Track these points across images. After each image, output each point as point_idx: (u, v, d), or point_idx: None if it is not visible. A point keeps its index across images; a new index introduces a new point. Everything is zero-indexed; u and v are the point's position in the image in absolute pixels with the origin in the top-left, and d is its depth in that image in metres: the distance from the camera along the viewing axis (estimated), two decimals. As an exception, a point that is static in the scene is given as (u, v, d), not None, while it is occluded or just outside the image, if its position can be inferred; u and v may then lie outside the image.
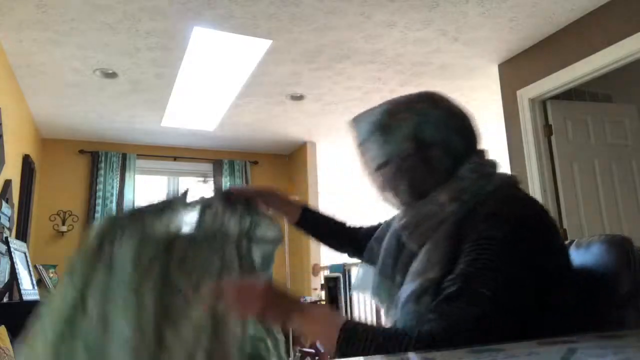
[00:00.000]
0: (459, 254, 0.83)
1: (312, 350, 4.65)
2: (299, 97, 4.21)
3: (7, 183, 3.42)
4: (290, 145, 5.70)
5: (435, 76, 3.84)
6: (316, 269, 5.36)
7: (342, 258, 4.38)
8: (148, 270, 0.96)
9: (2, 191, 3.30)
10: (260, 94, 4.11)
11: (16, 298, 2.79)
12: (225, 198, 1.14)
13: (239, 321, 0.96)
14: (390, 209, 1.25)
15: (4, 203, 3.22)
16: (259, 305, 0.88)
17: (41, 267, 3.53)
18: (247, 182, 5.73)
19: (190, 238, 1.05)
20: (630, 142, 3.49)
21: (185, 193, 1.12)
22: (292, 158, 6.00)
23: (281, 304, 0.89)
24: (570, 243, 1.03)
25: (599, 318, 0.88)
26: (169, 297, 0.95)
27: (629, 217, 3.30)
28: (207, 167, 5.71)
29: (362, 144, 1.01)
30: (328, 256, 5.41)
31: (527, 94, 3.38)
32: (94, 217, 4.94)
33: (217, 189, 1.18)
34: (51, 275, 3.66)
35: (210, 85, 3.89)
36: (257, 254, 1.13)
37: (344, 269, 4.58)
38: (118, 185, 5.17)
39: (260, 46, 3.27)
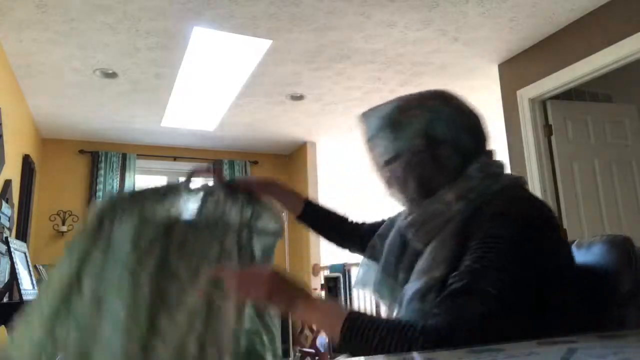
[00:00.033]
0: (465, 252, 0.83)
1: (312, 350, 4.65)
2: (299, 97, 4.21)
3: (7, 183, 3.42)
4: (290, 145, 5.70)
5: (435, 76, 3.84)
6: (316, 269, 5.36)
7: (342, 258, 4.37)
8: (146, 252, 0.95)
9: (2, 191, 3.30)
10: (260, 94, 4.11)
11: (16, 298, 2.79)
12: (228, 187, 1.13)
13: (235, 312, 0.95)
14: (391, 209, 1.25)
15: (4, 203, 3.22)
16: (264, 290, 0.88)
17: (41, 267, 3.53)
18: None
19: (191, 224, 1.04)
20: (630, 142, 3.49)
21: (189, 178, 1.11)
22: (292, 158, 6.00)
23: (287, 290, 0.89)
24: (571, 243, 1.03)
25: (600, 317, 0.88)
26: (166, 281, 0.95)
27: (629, 217, 3.30)
28: (207, 167, 5.71)
29: (371, 139, 1.01)
30: (328, 256, 5.41)
31: (527, 94, 3.38)
32: (94, 217, 4.94)
33: (220, 176, 1.17)
34: (51, 275, 3.65)
35: (210, 85, 3.89)
36: (257, 246, 1.12)
37: (344, 269, 4.58)
38: (118, 186, 5.17)
39: (260, 46, 3.27)
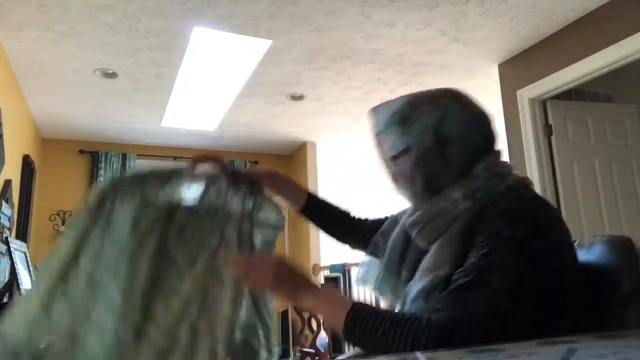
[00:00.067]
0: (470, 250, 0.83)
1: (312, 350, 4.65)
2: (299, 97, 4.21)
3: (7, 183, 3.42)
4: (290, 145, 5.70)
5: (435, 76, 3.84)
6: (316, 269, 5.36)
7: (342, 258, 4.37)
8: (146, 235, 0.94)
9: (2, 191, 3.30)
10: (260, 94, 4.11)
11: (16, 298, 2.78)
12: (231, 177, 1.12)
13: (231, 302, 0.94)
14: (392, 209, 1.25)
15: (4, 203, 3.22)
16: (270, 277, 0.88)
17: (41, 267, 3.52)
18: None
19: (192, 210, 1.03)
20: (630, 142, 3.49)
21: (193, 164, 1.10)
22: (292, 158, 6.00)
23: (292, 279, 0.89)
24: (572, 243, 1.03)
25: (600, 317, 0.88)
26: (163, 266, 0.94)
27: (629, 217, 3.30)
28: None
29: (380, 134, 1.00)
30: (328, 256, 5.41)
31: (527, 94, 3.38)
32: (94, 217, 4.94)
33: (224, 167, 1.16)
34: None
35: (210, 85, 3.89)
36: (257, 237, 1.11)
37: (344, 269, 4.58)
38: (118, 185, 5.17)
39: (260, 46, 3.27)
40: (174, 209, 1.01)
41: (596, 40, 2.92)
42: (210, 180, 1.09)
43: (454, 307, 0.76)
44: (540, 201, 0.90)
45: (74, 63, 3.41)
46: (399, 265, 1.02)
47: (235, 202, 1.09)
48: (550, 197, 3.21)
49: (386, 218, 1.23)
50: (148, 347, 0.85)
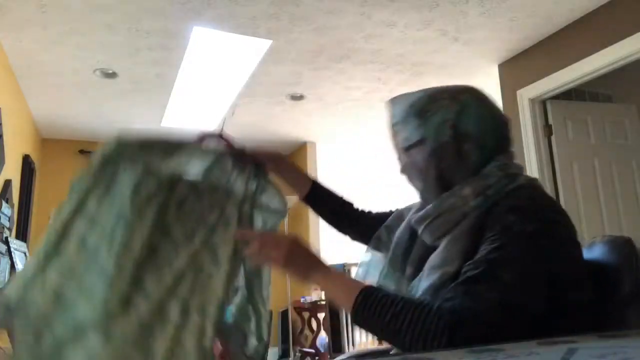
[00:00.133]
0: (480, 246, 0.83)
1: (312, 350, 4.65)
2: (299, 97, 4.21)
3: (7, 183, 3.42)
4: (290, 145, 5.70)
5: (435, 76, 3.84)
6: (316, 269, 5.35)
7: (342, 258, 4.36)
8: (146, 204, 0.93)
9: (2, 191, 3.30)
10: (260, 94, 4.11)
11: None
12: (237, 157, 1.10)
13: (224, 282, 0.93)
14: (392, 209, 1.25)
15: (4, 203, 3.22)
16: (283, 254, 0.89)
17: (41, 267, 3.52)
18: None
19: (194, 185, 1.02)
20: (630, 142, 3.49)
21: (202, 139, 1.08)
22: (292, 158, 6.00)
23: (305, 258, 0.90)
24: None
25: (601, 317, 0.88)
26: (159, 238, 0.92)
27: (629, 217, 3.30)
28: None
29: (396, 125, 0.99)
30: (328, 256, 5.40)
31: (527, 94, 3.38)
32: (94, 217, 4.94)
33: (230, 144, 1.14)
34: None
35: (210, 85, 3.89)
36: (258, 220, 1.09)
37: (344, 269, 4.58)
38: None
39: (260, 46, 3.27)
40: (177, 181, 0.99)
41: (596, 40, 2.92)
42: (216, 157, 1.07)
43: (464, 297, 0.75)
44: (550, 200, 0.91)
45: (74, 63, 3.41)
46: (403, 261, 1.02)
47: (239, 182, 1.07)
48: (550, 197, 3.21)
49: (391, 212, 1.22)
50: (134, 317, 0.84)
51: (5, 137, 3.22)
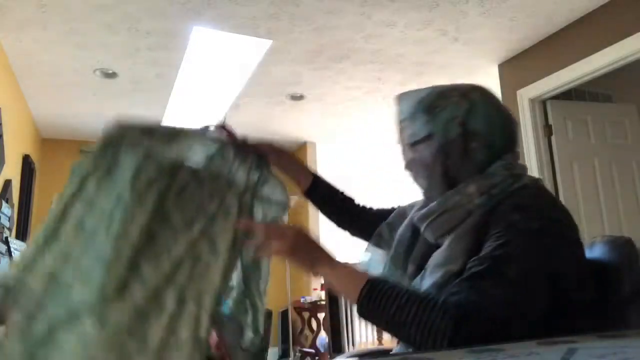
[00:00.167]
0: (484, 243, 0.83)
1: (312, 350, 4.65)
2: (299, 97, 4.21)
3: (7, 183, 3.42)
4: (290, 145, 5.69)
5: (436, 76, 3.84)
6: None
7: (341, 258, 4.37)
8: (146, 188, 0.92)
9: (2, 191, 3.30)
10: (260, 94, 4.11)
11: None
12: (239, 146, 1.09)
13: (222, 272, 0.92)
14: (391, 206, 1.24)
15: (4, 203, 3.22)
16: (289, 244, 0.89)
17: (41, 267, 3.52)
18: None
19: (195, 172, 1.01)
20: (630, 142, 3.49)
21: (205, 128, 1.07)
22: (292, 158, 5.99)
23: (311, 249, 0.90)
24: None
25: (601, 317, 0.88)
26: (158, 224, 0.91)
27: (629, 217, 3.30)
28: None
29: (404, 120, 0.99)
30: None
31: (527, 94, 3.38)
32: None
33: (233, 134, 1.14)
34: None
35: (210, 85, 3.89)
36: (258, 212, 1.08)
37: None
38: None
39: (260, 46, 3.27)
40: (178, 167, 0.99)
41: (596, 40, 2.92)
42: (218, 146, 1.07)
43: (470, 292, 0.75)
44: (553, 200, 0.91)
45: (74, 63, 3.41)
46: (405, 259, 1.02)
47: (241, 173, 1.07)
48: (550, 197, 3.21)
49: (392, 209, 1.21)
50: (130, 302, 0.83)
51: (5, 137, 3.23)
